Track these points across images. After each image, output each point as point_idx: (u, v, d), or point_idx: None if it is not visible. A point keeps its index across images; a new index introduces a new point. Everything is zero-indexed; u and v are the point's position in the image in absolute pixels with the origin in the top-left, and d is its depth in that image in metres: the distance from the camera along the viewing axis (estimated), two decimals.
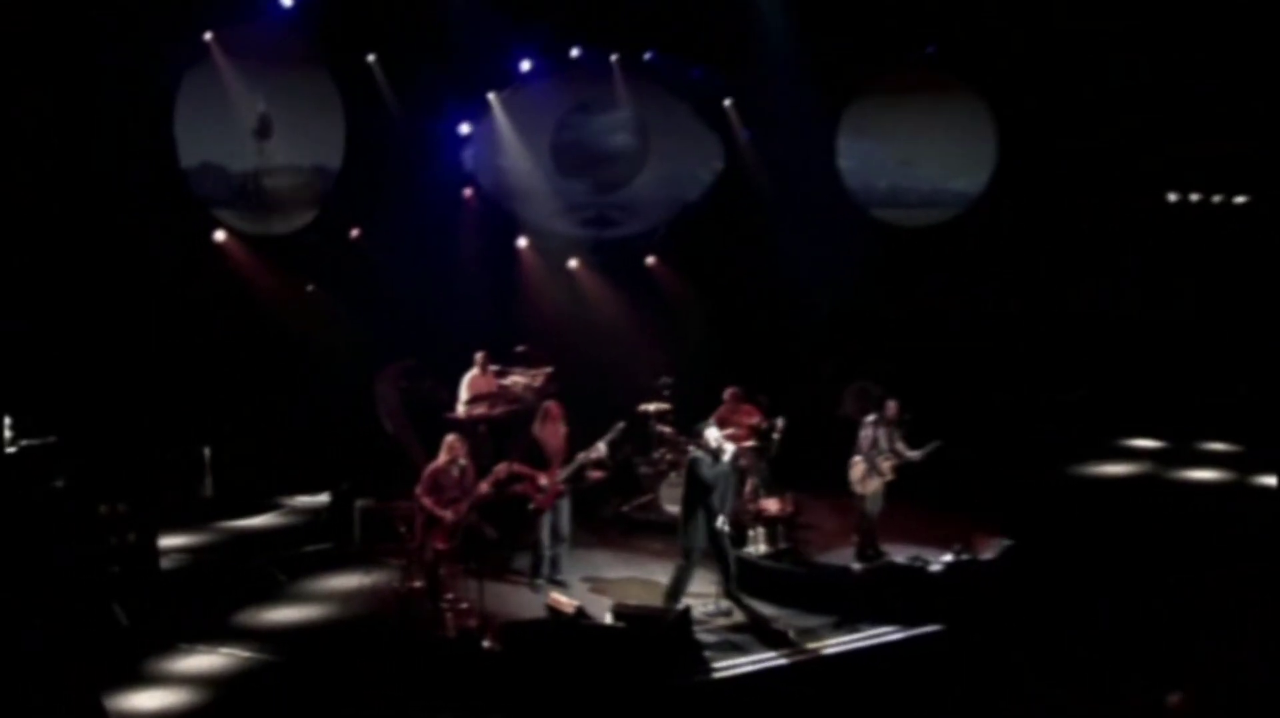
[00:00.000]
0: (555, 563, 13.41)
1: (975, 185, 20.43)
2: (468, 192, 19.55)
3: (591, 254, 20.42)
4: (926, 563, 13.48)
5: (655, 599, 12.57)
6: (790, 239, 19.40)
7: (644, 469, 16.35)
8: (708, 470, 12.13)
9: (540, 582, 13.27)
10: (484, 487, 12.42)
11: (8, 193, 14.65)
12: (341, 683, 10.94)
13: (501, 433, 16.27)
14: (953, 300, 19.71)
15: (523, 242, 20.04)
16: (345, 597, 13.12)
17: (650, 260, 20.58)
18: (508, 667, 10.83)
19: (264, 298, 17.31)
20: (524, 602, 12.85)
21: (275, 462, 16.95)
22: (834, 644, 11.73)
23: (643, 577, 13.60)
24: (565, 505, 13.31)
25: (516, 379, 17.01)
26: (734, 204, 20.24)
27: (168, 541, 14.79)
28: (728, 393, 15.61)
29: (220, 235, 17.18)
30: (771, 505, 14.84)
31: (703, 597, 12.57)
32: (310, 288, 18.07)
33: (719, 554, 12.38)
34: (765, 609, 12.52)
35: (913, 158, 20.79)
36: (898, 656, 11.56)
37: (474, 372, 16.73)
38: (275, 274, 17.45)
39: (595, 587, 13.31)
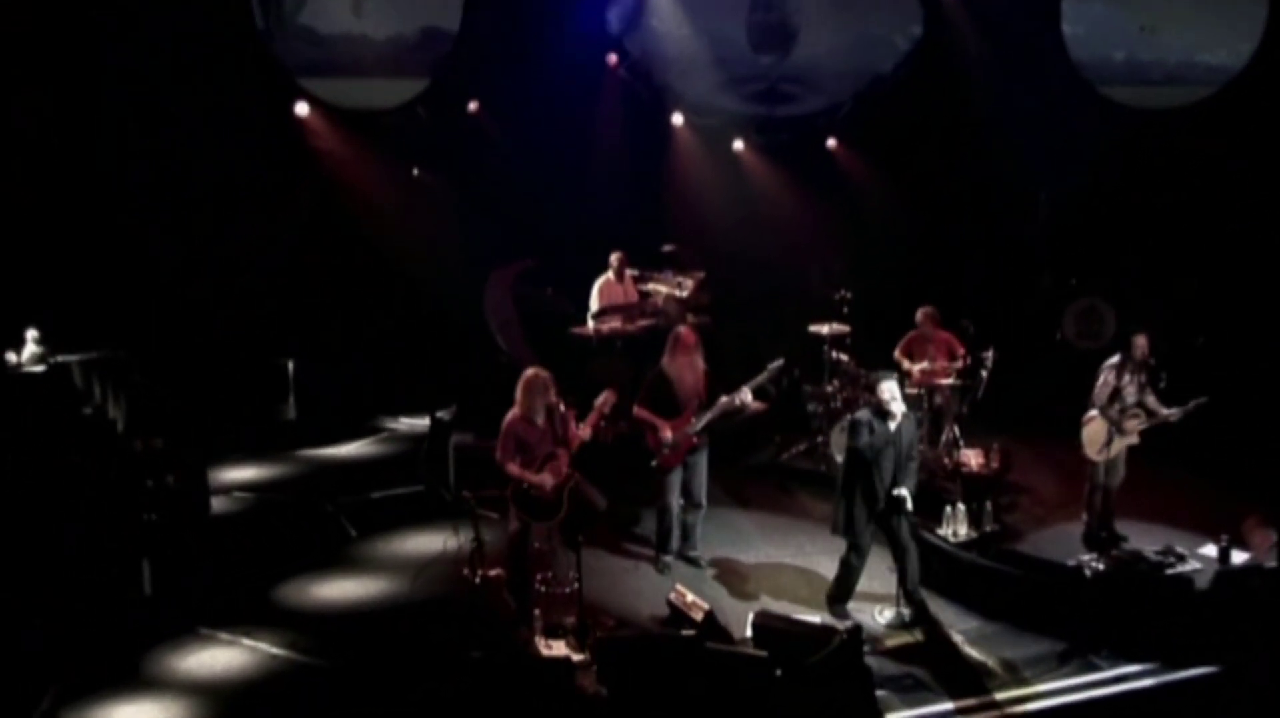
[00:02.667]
0: (688, 534, 10.43)
1: (1236, 59, 16.68)
2: (611, 59, 16.68)
3: (760, 135, 17.41)
4: (1183, 560, 10.11)
5: (815, 598, 9.57)
6: (1003, 122, 16.06)
7: (813, 406, 13.20)
8: (866, 436, 8.92)
9: (668, 559, 10.34)
10: (585, 430, 9.38)
11: None
12: (376, 706, 8.21)
13: (640, 354, 13.42)
14: (1207, 199, 15.68)
15: (677, 119, 17.14)
16: (419, 567, 10.37)
17: (831, 144, 17.44)
18: (603, 706, 7.88)
19: (358, 184, 14.93)
20: (642, 589, 9.97)
21: (369, 379, 14.69)
22: (1058, 689, 8.36)
23: (800, 561, 10.48)
24: (700, 462, 10.23)
25: (660, 287, 14.41)
26: (935, 77, 16.97)
27: (235, 473, 12.82)
28: (921, 314, 12.35)
29: (303, 109, 14.49)
30: (974, 459, 12.04)
31: (875, 600, 9.43)
32: (415, 173, 15.67)
33: (893, 546, 9.20)
34: (962, 622, 9.27)
35: (1157, 23, 17.12)
36: (1152, 711, 8.19)
37: (608, 276, 14.10)
38: (372, 156, 15.09)
39: (735, 575, 10.25)
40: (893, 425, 8.95)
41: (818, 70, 17.52)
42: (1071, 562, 10.08)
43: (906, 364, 12.23)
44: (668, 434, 9.89)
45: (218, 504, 11.79)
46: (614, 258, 14.00)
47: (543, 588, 9.57)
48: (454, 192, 15.39)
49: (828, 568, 9.84)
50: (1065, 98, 16.58)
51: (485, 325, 14.93)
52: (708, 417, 10.02)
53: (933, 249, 16.26)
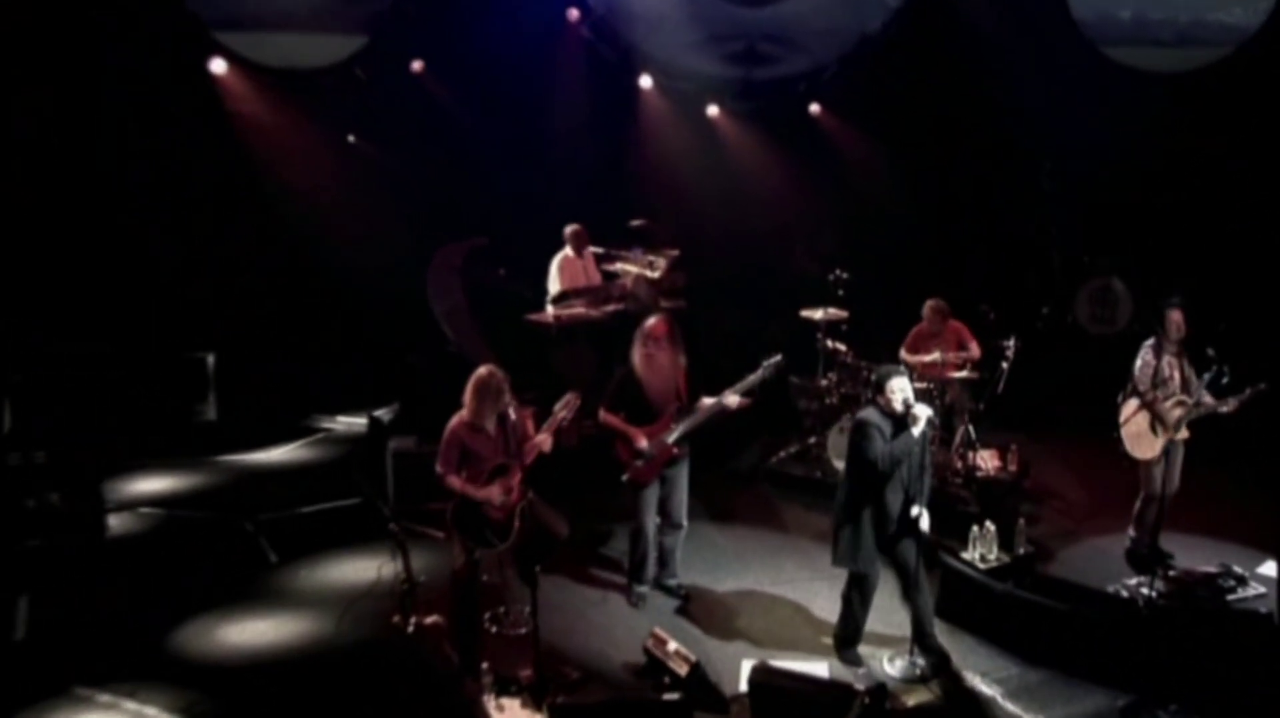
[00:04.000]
0: (666, 560, 8.84)
1: (1253, 17, 15.12)
2: (572, 14, 14.94)
3: (737, 100, 15.79)
4: (1243, 583, 8.77)
5: (818, 640, 8.05)
6: (1003, 85, 14.54)
7: (805, 403, 11.64)
8: (880, 445, 7.33)
9: (643, 590, 8.76)
10: (543, 439, 7.79)
11: None
12: None
13: (608, 344, 11.97)
14: (1228, 169, 14.15)
15: (645, 82, 15.48)
16: (348, 602, 8.72)
17: (815, 109, 15.82)
18: None
19: (285, 154, 13.21)
20: (612, 628, 8.42)
21: (301, 374, 13.09)
22: None
23: (796, 591, 8.93)
24: (680, 476, 8.64)
25: (629, 267, 12.87)
26: (927, 36, 15.34)
27: (142, 485, 11.17)
28: (927, 308, 10.88)
29: (219, 66, 12.76)
30: (989, 461, 10.81)
31: (883, 642, 7.93)
32: (351, 140, 14.00)
33: (901, 578, 7.66)
34: (999, 669, 7.74)
35: None
36: None
37: (565, 253, 12.61)
38: (302, 122, 13.37)
39: (720, 609, 8.68)
40: (916, 432, 7.36)
41: (799, 29, 15.89)
42: (1120, 590, 8.63)
43: (913, 360, 10.73)
44: (642, 443, 8.30)
45: (118, 524, 10.24)
46: (569, 231, 12.46)
47: (493, 628, 8.05)
48: (395, 162, 13.83)
49: (828, 598, 8.45)
50: (1070, 59, 15.00)
51: (430, 312, 13.34)
52: (688, 422, 8.44)
53: (930, 226, 14.78)
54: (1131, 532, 9.25)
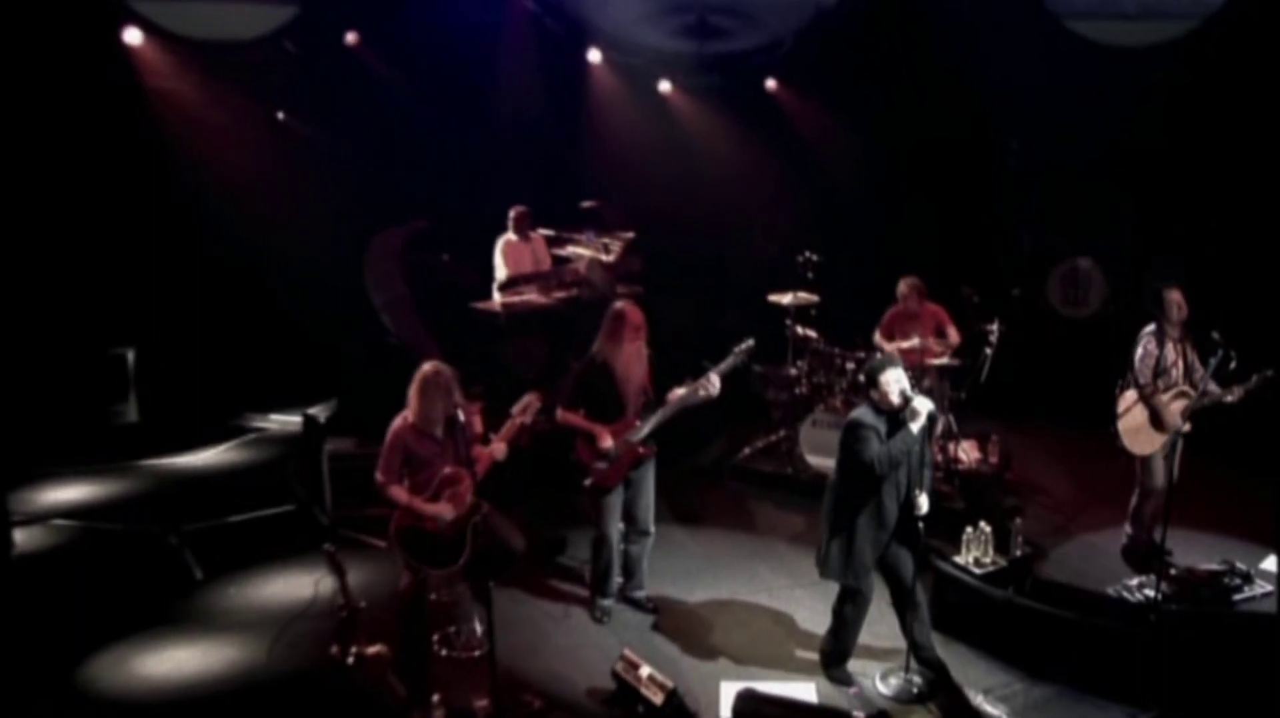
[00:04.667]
0: (632, 570, 8.11)
1: None
2: None
3: (691, 75, 14.99)
4: (1249, 581, 8.21)
5: (802, 655, 7.34)
6: (967, 59, 13.71)
7: (773, 394, 10.94)
8: (876, 447, 6.62)
9: (608, 604, 8.02)
10: (498, 447, 6.98)
11: None
12: None
13: (562, 333, 11.37)
14: (1202, 144, 13.49)
15: (594, 56, 14.66)
16: (282, 624, 7.92)
17: (771, 84, 15.02)
18: None
19: (208, 133, 12.22)
20: (576, 648, 7.66)
21: (230, 369, 12.22)
22: None
23: (773, 598, 8.24)
24: (647, 478, 7.89)
25: (581, 250, 12.14)
26: (886, 9, 14.48)
27: (56, 495, 10.36)
28: (904, 285, 10.21)
29: (134, 36, 11.78)
30: (969, 452, 10.22)
31: (874, 657, 7.25)
32: (281, 118, 13.02)
33: (893, 584, 6.97)
34: (1002, 685, 7.07)
35: None
36: None
37: (508, 237, 11.87)
38: (226, 98, 12.37)
39: (692, 623, 7.94)
40: (916, 427, 6.65)
41: (753, 1, 15.06)
42: (1122, 592, 7.97)
43: (889, 346, 10.06)
44: (607, 443, 7.53)
45: (26, 539, 9.32)
46: (512, 213, 11.71)
47: (443, 652, 7.28)
48: (328, 141, 12.88)
49: (809, 607, 7.88)
50: (1035, 33, 14.15)
51: (369, 302, 12.52)
52: (656, 419, 7.69)
53: (899, 204, 14.00)
54: (1128, 528, 8.63)
